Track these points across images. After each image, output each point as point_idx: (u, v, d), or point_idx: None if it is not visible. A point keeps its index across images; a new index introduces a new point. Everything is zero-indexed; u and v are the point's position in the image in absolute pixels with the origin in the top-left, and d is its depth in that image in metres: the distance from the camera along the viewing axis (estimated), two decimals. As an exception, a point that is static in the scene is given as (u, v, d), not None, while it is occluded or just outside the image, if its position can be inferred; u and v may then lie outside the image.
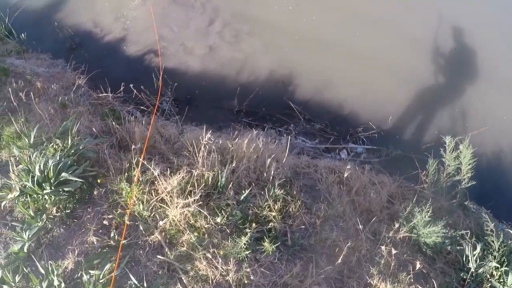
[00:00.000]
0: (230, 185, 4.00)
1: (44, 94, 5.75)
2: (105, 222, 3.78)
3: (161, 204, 3.73)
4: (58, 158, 3.79)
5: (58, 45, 7.53)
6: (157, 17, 7.23)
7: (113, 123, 4.77)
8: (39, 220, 3.66)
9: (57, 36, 7.64)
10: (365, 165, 5.55)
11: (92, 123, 4.96)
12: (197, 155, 4.06)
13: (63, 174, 3.66)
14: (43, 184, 3.71)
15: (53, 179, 3.69)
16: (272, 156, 4.51)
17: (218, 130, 5.84)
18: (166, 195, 3.69)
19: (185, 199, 3.64)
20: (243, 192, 4.03)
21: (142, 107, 5.85)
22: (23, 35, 7.61)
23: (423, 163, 5.26)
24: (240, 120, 6.15)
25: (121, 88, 5.74)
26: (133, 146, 4.17)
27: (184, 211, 3.64)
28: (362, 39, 7.07)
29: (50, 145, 4.29)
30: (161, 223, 3.66)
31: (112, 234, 3.60)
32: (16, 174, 3.90)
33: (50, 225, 3.76)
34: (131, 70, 6.69)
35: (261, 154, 4.55)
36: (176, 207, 3.61)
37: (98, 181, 4.04)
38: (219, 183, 3.97)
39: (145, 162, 3.93)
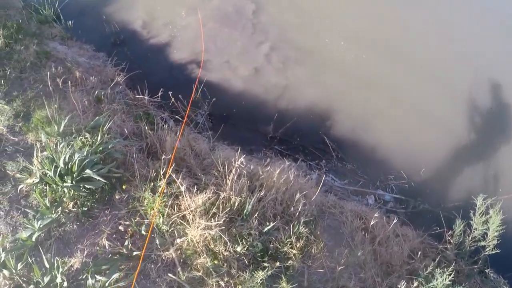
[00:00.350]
0: (256, 214, 3.84)
1: (82, 84, 5.74)
2: (121, 227, 3.64)
3: (181, 221, 3.58)
4: (84, 154, 3.70)
5: (102, 38, 7.58)
6: (205, 30, 7.22)
7: (146, 127, 4.68)
8: (53, 212, 3.53)
9: (103, 29, 7.70)
10: (390, 214, 5.32)
11: (124, 123, 4.89)
12: (227, 176, 3.92)
13: (87, 171, 3.55)
14: (65, 177, 3.60)
15: (76, 173, 3.58)
16: (301, 191, 4.36)
17: (249, 153, 5.70)
18: (189, 213, 3.54)
19: (207, 221, 3.47)
20: (268, 223, 3.85)
21: (176, 116, 5.74)
22: (70, 22, 7.74)
23: (450, 222, 5.04)
24: (273, 147, 6.01)
25: (159, 94, 5.67)
26: (163, 156, 4.07)
27: (204, 233, 3.47)
28: (407, 84, 6.92)
29: (79, 137, 4.21)
30: (178, 240, 3.50)
31: (126, 242, 3.45)
32: (39, 160, 3.81)
33: (63, 219, 3.64)
34: (171, 77, 6.64)
35: (290, 187, 4.39)
36: (197, 227, 3.45)
37: (123, 187, 3.91)
38: (245, 211, 3.82)
39: (173, 175, 3.81)
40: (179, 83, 6.38)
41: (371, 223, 4.57)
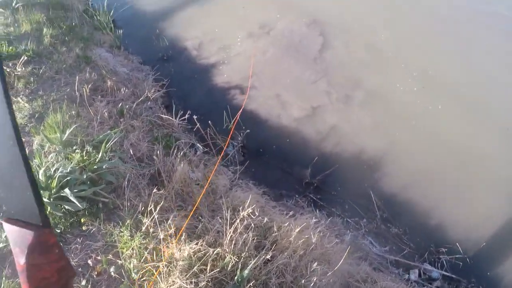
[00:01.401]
0: (254, 282, 3.21)
1: (111, 94, 5.61)
2: (90, 262, 3.25)
3: (155, 273, 3.10)
4: (68, 170, 3.44)
5: (151, 52, 7.67)
6: (261, 58, 7.05)
7: (158, 151, 4.39)
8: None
9: (153, 42, 7.82)
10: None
11: (139, 142, 4.61)
12: (228, 227, 3.41)
13: (66, 190, 3.28)
14: (42, 191, 3.37)
15: (54, 190, 3.34)
16: (324, 257, 3.73)
17: (277, 198, 5.13)
18: (165, 265, 3.05)
19: (187, 279, 2.97)
20: (268, 297, 3.25)
21: (203, 143, 5.39)
22: (120, 31, 8.03)
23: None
24: (307, 194, 5.35)
25: (186, 116, 5.40)
26: (161, 190, 3.70)
27: (177, 297, 2.95)
28: (486, 148, 5.96)
29: (78, 151, 4.02)
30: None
31: (83, 282, 3.04)
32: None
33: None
34: (210, 102, 6.40)
35: (310, 251, 3.76)
36: (169, 287, 2.97)
37: (82, 220, 3.54)
38: (237, 276, 3.09)
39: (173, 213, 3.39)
40: (215, 110, 6.08)
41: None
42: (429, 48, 7.17)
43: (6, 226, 0.88)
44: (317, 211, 5.04)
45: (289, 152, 5.69)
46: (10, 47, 6.12)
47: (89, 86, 5.38)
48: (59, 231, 3.33)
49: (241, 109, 5.67)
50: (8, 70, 5.44)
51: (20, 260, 0.86)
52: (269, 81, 6.66)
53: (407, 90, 6.41)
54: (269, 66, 6.95)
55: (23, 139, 4.09)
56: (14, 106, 4.74)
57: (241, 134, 5.58)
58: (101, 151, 3.89)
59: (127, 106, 5.23)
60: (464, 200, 5.50)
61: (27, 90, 5.20)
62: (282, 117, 6.10)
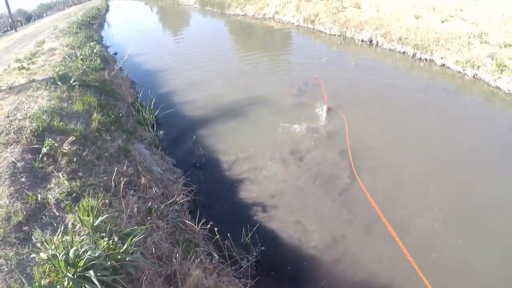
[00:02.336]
0: None
1: (143, 191, 6.11)
2: None
3: None
4: (96, 255, 3.95)
5: (185, 156, 8.47)
6: (287, 185, 7.61)
7: (178, 255, 4.85)
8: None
9: (188, 148, 8.65)
10: None
11: (161, 242, 5.06)
12: None
13: (90, 271, 3.72)
14: (68, 267, 3.85)
15: (80, 268, 3.79)
16: None
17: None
18: None
19: None
20: None
21: (220, 253, 5.72)
22: (161, 131, 9.03)
23: None
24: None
25: (208, 226, 5.90)
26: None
27: None
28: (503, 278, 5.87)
29: (106, 238, 4.53)
30: None
31: None
32: (57, 242, 4.17)
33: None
34: (232, 216, 6.82)
35: None
36: None
37: None
38: None
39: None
40: (237, 223, 6.45)
41: None
42: (459, 187, 7.62)
43: None
44: None
45: (303, 275, 5.96)
46: (61, 123, 6.93)
47: (125, 179, 6.05)
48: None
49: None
50: (56, 144, 6.11)
51: None
52: (293, 204, 7.17)
53: (428, 225, 6.72)
54: (296, 191, 7.48)
55: (57, 213, 4.69)
56: (54, 181, 5.46)
57: (257, 249, 5.94)
58: (126, 244, 4.41)
59: (155, 206, 5.79)
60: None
61: (68, 168, 5.75)
62: (301, 241, 6.41)
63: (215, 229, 5.71)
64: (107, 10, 49.54)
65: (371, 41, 18.37)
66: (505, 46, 13.86)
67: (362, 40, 18.70)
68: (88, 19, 29.99)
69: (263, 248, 5.93)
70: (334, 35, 20.47)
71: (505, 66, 12.66)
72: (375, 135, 9.30)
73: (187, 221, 5.89)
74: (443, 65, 14.90)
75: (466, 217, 6.88)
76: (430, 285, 5.61)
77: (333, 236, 6.49)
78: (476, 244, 6.38)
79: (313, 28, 22.30)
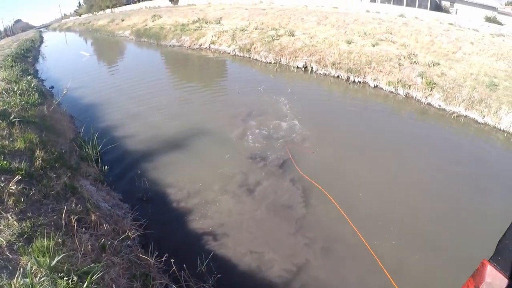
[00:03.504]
0: None
1: (94, 228, 6.12)
2: None
3: None
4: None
5: (131, 191, 8.47)
6: (239, 217, 7.75)
7: (138, 289, 4.93)
8: None
9: (134, 182, 8.67)
10: None
11: (118, 278, 5.13)
12: None
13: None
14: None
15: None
16: None
17: None
18: None
19: None
20: None
21: (177, 285, 5.80)
22: (105, 167, 9.01)
23: None
24: None
25: (163, 259, 5.95)
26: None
27: None
28: None
29: (65, 278, 4.55)
30: None
31: None
32: (17, 285, 4.15)
33: None
34: (184, 245, 6.93)
35: None
36: None
37: None
38: None
39: None
40: (189, 253, 6.62)
41: None
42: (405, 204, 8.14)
43: None
44: None
45: None
46: (5, 161, 6.78)
47: (75, 217, 5.99)
48: None
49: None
50: (1, 184, 5.99)
51: None
52: (245, 234, 7.35)
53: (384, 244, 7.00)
54: (248, 221, 7.69)
55: (10, 256, 4.65)
56: (3, 222, 5.36)
57: (213, 278, 6.10)
58: (86, 282, 4.46)
59: (109, 242, 5.86)
60: None
61: (16, 209, 5.65)
62: (254, 267, 6.62)
63: (171, 260, 5.81)
64: (41, 42, 47.97)
65: (305, 67, 19.40)
66: (433, 65, 15.29)
67: (297, 66, 19.68)
68: (23, 51, 29.12)
69: (219, 275, 6.12)
70: (270, 63, 21.36)
71: (435, 84, 13.91)
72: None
73: (141, 255, 5.96)
74: (376, 86, 16.10)
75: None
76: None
77: (292, 261, 6.72)
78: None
79: (249, 57, 23.08)
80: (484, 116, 12.58)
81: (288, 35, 22.71)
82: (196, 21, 33.65)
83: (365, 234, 7.16)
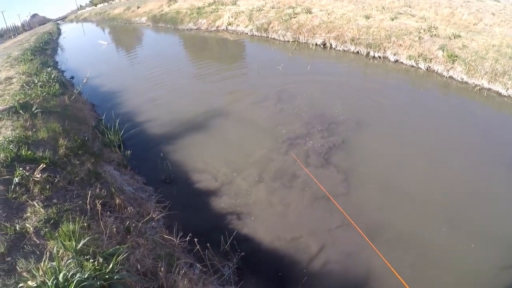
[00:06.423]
0: None
1: (119, 211, 6.22)
2: None
3: None
4: (85, 276, 4.06)
5: (154, 174, 8.52)
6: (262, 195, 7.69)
7: (162, 268, 5.01)
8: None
9: (157, 165, 8.68)
10: None
11: (143, 258, 5.22)
12: None
13: (81, 293, 3.82)
14: (60, 291, 3.92)
15: (71, 292, 3.87)
16: None
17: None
18: None
19: None
20: None
21: (202, 263, 5.82)
22: (128, 151, 9.07)
23: None
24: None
25: (187, 238, 6.00)
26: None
27: None
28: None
29: (91, 260, 4.64)
30: None
31: None
32: (45, 268, 4.24)
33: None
34: (209, 226, 6.94)
35: None
36: None
37: None
38: None
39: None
40: (214, 233, 6.60)
41: None
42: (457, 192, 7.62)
43: None
44: None
45: (284, 276, 6.03)
46: (29, 151, 6.91)
47: (100, 201, 6.09)
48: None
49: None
50: (27, 173, 6.12)
51: None
52: (267, 212, 7.30)
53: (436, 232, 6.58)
54: (273, 201, 7.58)
55: (37, 241, 4.73)
56: (30, 209, 5.47)
57: (237, 256, 6.13)
58: (112, 263, 4.52)
59: (133, 225, 5.93)
60: None
61: (42, 196, 5.79)
62: (279, 243, 6.57)
63: (195, 240, 5.86)
64: (59, 34, 48.41)
65: (324, 44, 19.02)
66: (454, 37, 14.72)
67: (316, 44, 19.30)
68: (41, 44, 29.44)
69: (243, 253, 6.13)
70: (288, 41, 21.03)
71: (456, 56, 13.41)
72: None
73: (165, 236, 6.01)
74: (397, 60, 15.63)
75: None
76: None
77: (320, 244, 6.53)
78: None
79: (267, 36, 22.83)
80: (508, 89, 12.06)
81: (305, 12, 22.24)
82: (212, 3, 33.27)
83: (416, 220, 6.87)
